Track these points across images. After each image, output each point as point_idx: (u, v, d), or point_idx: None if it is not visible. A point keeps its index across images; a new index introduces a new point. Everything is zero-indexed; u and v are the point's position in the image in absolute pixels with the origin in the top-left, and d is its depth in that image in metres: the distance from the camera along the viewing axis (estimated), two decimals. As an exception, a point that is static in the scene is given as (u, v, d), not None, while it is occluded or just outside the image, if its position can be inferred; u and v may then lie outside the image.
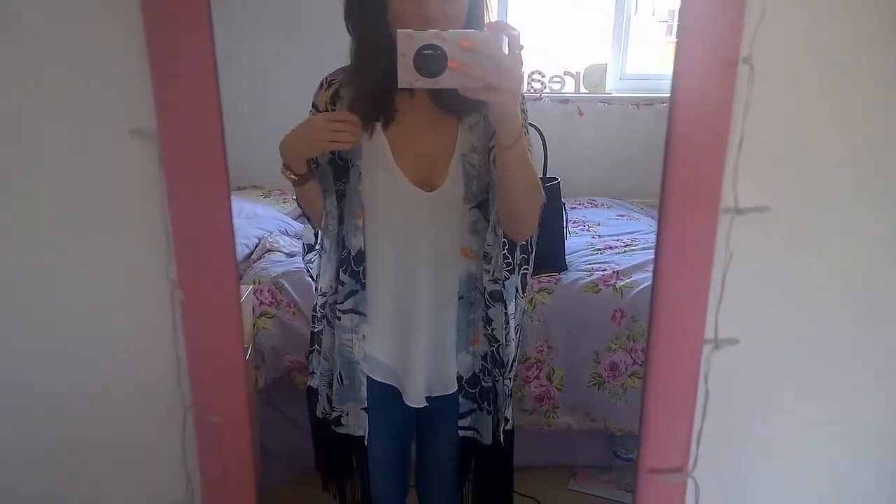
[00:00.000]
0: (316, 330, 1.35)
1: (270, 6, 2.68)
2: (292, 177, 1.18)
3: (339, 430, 1.32)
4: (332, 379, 1.32)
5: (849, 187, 0.84)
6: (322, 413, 1.35)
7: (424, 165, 1.20)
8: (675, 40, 0.79)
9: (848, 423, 0.91)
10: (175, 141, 0.80)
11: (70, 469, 0.93)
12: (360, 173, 1.19)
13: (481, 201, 1.22)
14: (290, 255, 2.37)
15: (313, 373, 1.38)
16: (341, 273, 1.25)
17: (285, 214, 2.63)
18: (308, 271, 1.42)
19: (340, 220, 1.24)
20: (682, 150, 0.80)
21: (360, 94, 1.16)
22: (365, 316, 1.26)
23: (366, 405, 1.30)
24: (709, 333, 0.86)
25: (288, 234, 2.50)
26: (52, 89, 0.81)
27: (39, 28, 0.79)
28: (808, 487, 0.92)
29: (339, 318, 1.27)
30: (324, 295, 1.31)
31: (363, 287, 1.24)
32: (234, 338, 0.86)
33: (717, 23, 0.77)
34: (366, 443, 1.33)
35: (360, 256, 1.23)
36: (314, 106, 1.23)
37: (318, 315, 1.34)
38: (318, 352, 1.35)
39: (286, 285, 2.11)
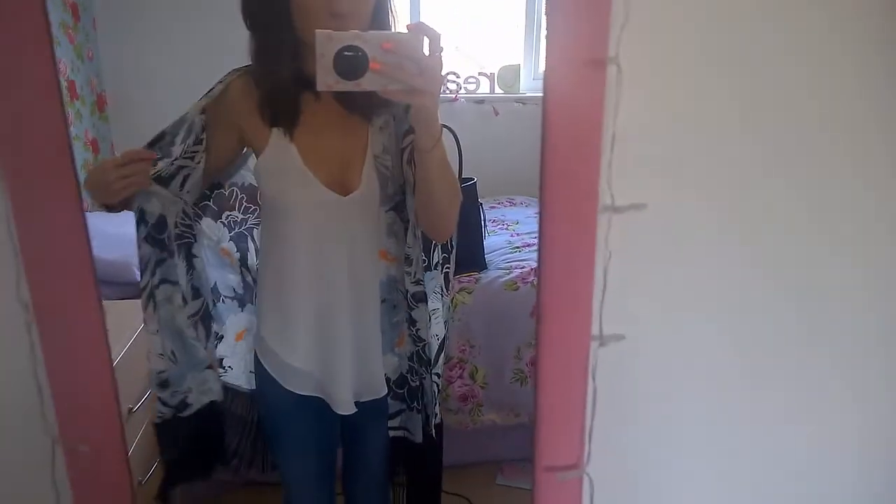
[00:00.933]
0: None
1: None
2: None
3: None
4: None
5: (719, 182, 0.86)
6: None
7: (336, 169, 1.17)
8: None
9: (733, 414, 0.94)
10: (16, 151, 0.74)
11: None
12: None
13: (397, 203, 1.21)
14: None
15: None
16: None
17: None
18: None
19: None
20: (557, 150, 0.81)
21: (263, 95, 1.12)
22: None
23: (208, 363, 1.30)
24: (594, 330, 0.87)
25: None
26: None
27: None
28: (703, 479, 0.95)
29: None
30: None
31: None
32: (101, 359, 0.81)
33: (582, 24, 0.78)
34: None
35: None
36: (203, 111, 1.17)
37: None
38: None
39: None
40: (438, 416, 1.37)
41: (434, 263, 1.28)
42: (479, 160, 2.21)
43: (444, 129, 1.22)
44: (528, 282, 2.16)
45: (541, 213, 0.84)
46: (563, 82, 0.79)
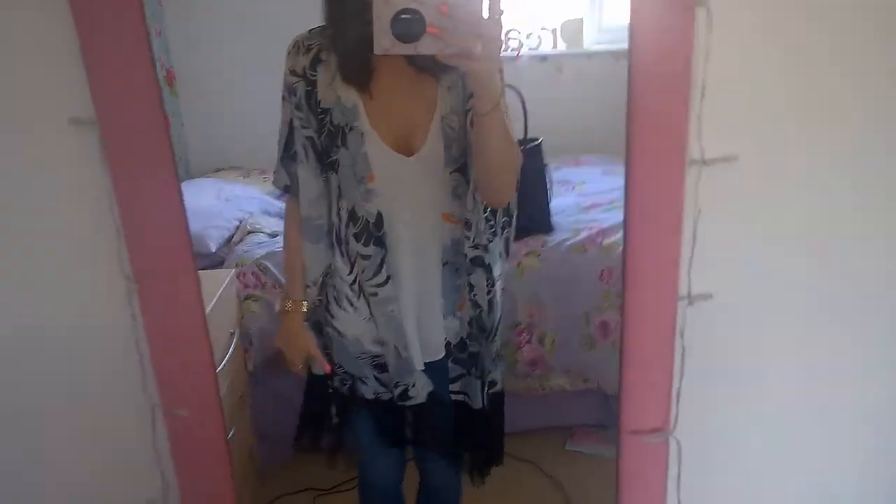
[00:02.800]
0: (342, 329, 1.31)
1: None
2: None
3: (407, 403, 1.30)
4: (378, 358, 1.30)
5: (816, 131, 0.80)
6: (374, 395, 1.33)
7: (403, 129, 1.16)
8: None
9: (832, 375, 0.90)
10: (115, 128, 0.76)
11: (43, 476, 0.91)
12: (361, 134, 1.15)
13: (461, 165, 1.19)
14: (273, 235, 2.33)
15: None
16: (362, 247, 1.22)
17: (266, 194, 2.58)
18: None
19: (340, 194, 1.21)
20: (643, 102, 0.77)
21: (342, 54, 1.12)
22: (399, 277, 1.23)
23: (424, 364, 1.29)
24: (682, 290, 0.84)
25: (270, 215, 2.46)
26: None
27: None
28: (793, 442, 0.91)
29: (375, 294, 1.24)
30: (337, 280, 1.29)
31: (388, 250, 1.21)
32: (197, 329, 0.84)
33: (671, -35, 0.73)
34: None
35: (380, 220, 1.20)
36: (291, 72, 1.17)
37: (340, 305, 1.30)
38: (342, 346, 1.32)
39: (270, 267, 2.08)
40: (499, 384, 1.36)
41: (496, 230, 1.26)
42: (542, 119, 2.15)
43: (509, 89, 1.20)
44: (596, 244, 2.11)
45: (627, 170, 0.81)
46: (649, 28, 0.74)
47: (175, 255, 0.81)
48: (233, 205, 2.38)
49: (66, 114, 0.78)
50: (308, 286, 1.29)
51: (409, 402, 1.30)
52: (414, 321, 1.28)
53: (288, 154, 1.23)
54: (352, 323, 1.30)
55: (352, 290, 1.26)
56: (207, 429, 0.86)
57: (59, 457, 0.90)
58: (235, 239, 2.23)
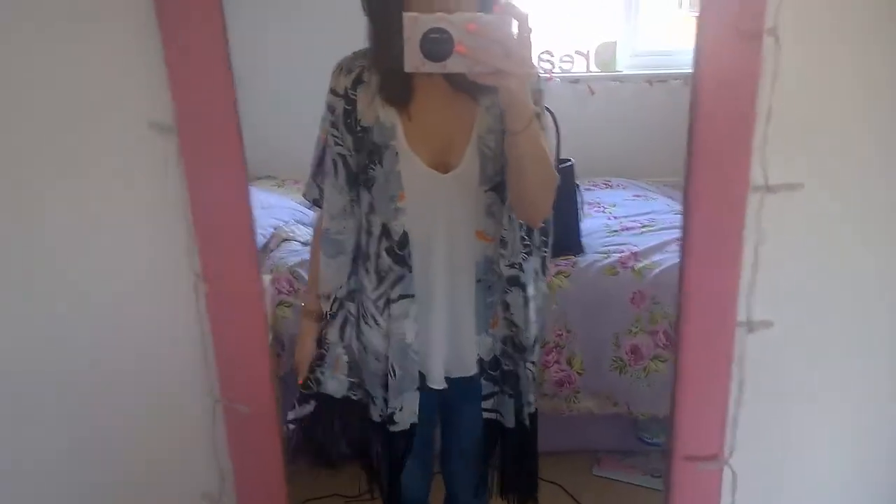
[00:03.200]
0: (349, 343, 1.31)
1: (281, -1, 2.65)
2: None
3: (392, 428, 1.29)
4: (385, 377, 1.29)
5: (883, 161, 0.80)
6: (379, 417, 1.32)
7: (439, 147, 1.18)
8: (692, 14, 0.75)
9: (885, 406, 0.88)
10: (193, 133, 0.79)
11: (103, 465, 0.93)
12: (396, 153, 1.16)
13: (497, 183, 1.20)
14: (306, 243, 2.36)
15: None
16: (383, 263, 1.22)
17: (300, 204, 2.61)
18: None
19: (371, 210, 1.21)
20: (707, 127, 0.77)
21: (383, 75, 1.14)
22: (414, 297, 1.24)
23: (419, 384, 1.28)
24: (741, 316, 0.84)
25: (303, 224, 2.49)
26: (70, 85, 0.80)
27: (58, 25, 0.78)
28: (851, 475, 0.90)
29: (389, 308, 1.24)
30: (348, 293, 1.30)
31: (410, 269, 1.22)
32: (259, 328, 0.85)
33: (740, -7, 0.74)
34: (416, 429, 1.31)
35: (405, 239, 1.21)
36: (332, 91, 1.20)
37: (348, 318, 1.31)
38: (353, 362, 1.34)
39: (303, 274, 2.10)
40: (533, 405, 1.36)
41: (533, 248, 1.27)
42: (573, 141, 2.15)
43: (546, 111, 1.21)
44: (628, 266, 2.10)
45: (686, 193, 0.81)
46: (716, 56, 0.75)
47: (242, 257, 0.82)
48: (268, 213, 2.41)
49: (146, 118, 0.80)
50: (320, 297, 1.29)
51: (393, 428, 1.29)
52: (444, 337, 1.28)
53: (320, 170, 1.25)
54: (374, 340, 1.30)
55: (376, 306, 1.26)
56: (265, 425, 0.87)
57: (122, 445, 0.92)
58: (270, 246, 2.25)
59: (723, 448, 0.87)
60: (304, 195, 1.32)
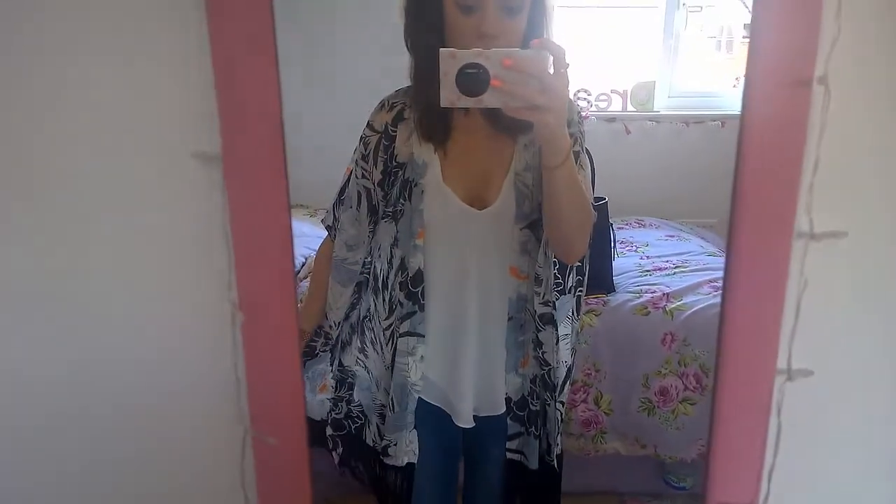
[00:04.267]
0: (350, 366, 1.35)
1: (320, 26, 2.73)
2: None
3: (386, 460, 1.30)
4: (384, 408, 1.31)
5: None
6: (372, 442, 1.34)
7: (475, 183, 1.19)
8: (730, 57, 0.76)
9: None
10: (238, 164, 0.81)
11: (130, 489, 0.93)
12: (422, 192, 1.18)
13: (532, 221, 1.21)
14: (335, 274, 2.39)
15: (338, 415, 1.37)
16: (396, 296, 1.24)
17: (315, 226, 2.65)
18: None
19: (395, 243, 1.23)
20: (753, 172, 0.77)
21: (423, 112, 1.17)
22: (423, 337, 1.25)
23: (414, 426, 1.29)
24: (781, 364, 0.83)
25: (333, 254, 2.53)
26: (115, 111, 0.82)
27: (102, 50, 0.80)
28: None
29: (393, 343, 1.26)
30: (359, 321, 1.32)
31: (421, 308, 1.23)
32: (293, 360, 0.86)
33: (789, 42, 0.75)
34: (416, 465, 1.31)
35: (419, 277, 1.22)
36: (370, 126, 1.23)
37: (355, 345, 1.34)
38: (351, 386, 1.35)
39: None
40: (560, 447, 1.34)
41: (568, 287, 1.26)
42: (608, 179, 2.16)
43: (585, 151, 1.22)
44: (659, 307, 2.09)
45: (729, 238, 0.81)
46: (764, 102, 0.76)
47: (281, 288, 0.84)
48: (300, 242, 2.45)
49: (192, 148, 0.82)
50: (329, 324, 1.36)
51: (387, 460, 1.29)
52: (473, 375, 1.28)
53: (341, 200, 1.29)
54: (376, 366, 1.32)
55: (384, 335, 1.28)
56: (294, 458, 0.87)
57: (148, 470, 0.92)
58: (301, 275, 2.29)
59: (757, 496, 0.85)
60: (322, 220, 1.35)
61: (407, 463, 1.30)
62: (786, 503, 0.86)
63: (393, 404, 1.27)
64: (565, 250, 1.19)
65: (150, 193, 0.85)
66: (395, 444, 1.28)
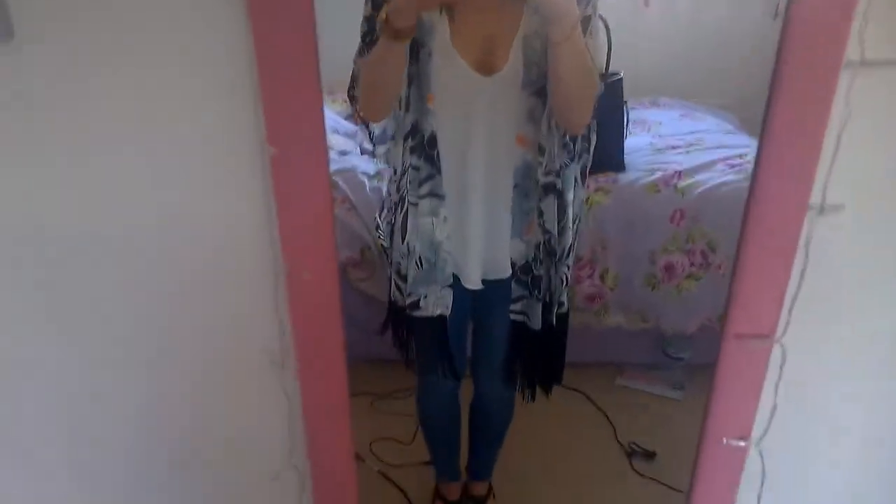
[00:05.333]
0: (390, 219, 1.36)
1: None
2: (397, 27, 1.05)
3: (417, 313, 1.33)
4: (406, 267, 1.33)
5: None
6: (393, 297, 1.38)
7: (484, 48, 1.17)
8: None
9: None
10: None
11: (168, 320, 0.96)
12: (430, 54, 1.16)
13: (540, 87, 1.19)
14: (342, 153, 2.36)
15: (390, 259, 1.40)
16: (415, 158, 1.24)
17: (336, 114, 2.60)
18: (387, 162, 1.40)
19: (407, 106, 1.22)
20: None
21: None
22: (443, 198, 1.26)
23: (451, 282, 1.32)
24: (815, 198, 0.83)
25: (338, 133, 2.49)
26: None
27: None
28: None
29: (415, 204, 1.27)
30: (396, 182, 1.31)
31: (439, 171, 1.24)
32: (323, 196, 0.86)
33: None
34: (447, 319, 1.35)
35: (433, 140, 1.22)
36: (372, 2, 1.17)
37: (394, 201, 1.34)
38: (391, 238, 1.36)
39: (340, 183, 2.11)
40: (566, 305, 1.38)
41: (574, 155, 1.26)
42: (624, 55, 2.10)
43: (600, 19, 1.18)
44: (670, 185, 2.09)
45: (777, 66, 0.79)
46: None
47: (308, 121, 0.83)
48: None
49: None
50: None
51: (416, 314, 1.33)
52: (480, 240, 1.30)
53: (366, 43, 1.20)
54: (403, 223, 1.31)
55: (408, 197, 1.28)
56: (326, 292, 0.89)
57: (186, 305, 0.94)
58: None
59: (776, 329, 0.89)
60: (355, 60, 1.27)
61: (439, 314, 1.33)
62: (804, 337, 0.90)
63: (421, 262, 1.30)
64: (568, 120, 1.18)
65: (179, 31, 0.81)
66: (426, 297, 1.32)
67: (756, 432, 0.95)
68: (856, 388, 0.95)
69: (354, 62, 1.23)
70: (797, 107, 0.79)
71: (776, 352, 0.90)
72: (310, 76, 0.80)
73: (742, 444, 0.96)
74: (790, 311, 0.88)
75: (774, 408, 0.93)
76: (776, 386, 0.92)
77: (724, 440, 0.95)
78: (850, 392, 0.95)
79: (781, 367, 0.91)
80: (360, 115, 1.27)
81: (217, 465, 1.03)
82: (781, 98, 0.79)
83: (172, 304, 0.94)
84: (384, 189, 1.42)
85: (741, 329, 0.90)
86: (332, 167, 2.14)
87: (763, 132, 0.82)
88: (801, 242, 0.85)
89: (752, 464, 0.98)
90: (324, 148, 0.86)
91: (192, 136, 0.86)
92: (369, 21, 1.17)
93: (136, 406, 1.01)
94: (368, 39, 1.18)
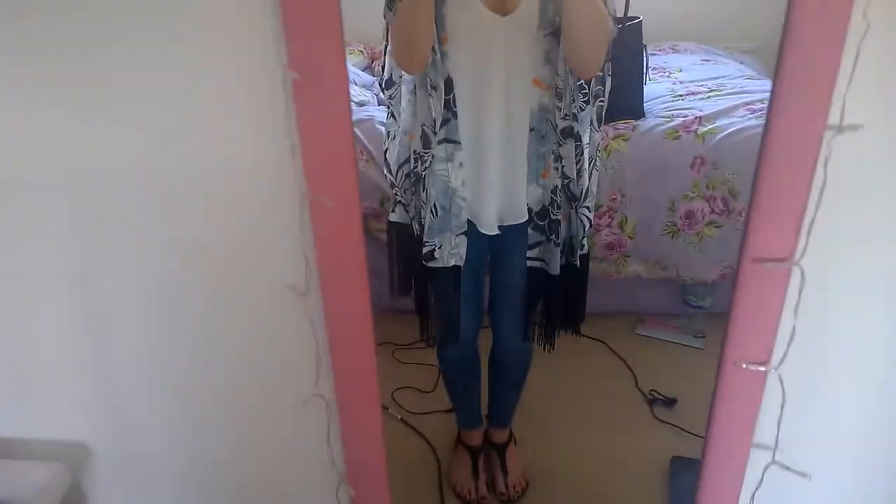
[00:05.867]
0: (410, 168, 1.35)
1: None
2: None
3: (431, 264, 1.34)
4: (420, 215, 1.34)
5: None
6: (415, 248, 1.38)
7: None
8: None
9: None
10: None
11: (194, 257, 0.99)
12: None
13: (556, 29, 1.18)
14: (360, 104, 2.36)
15: (399, 206, 1.40)
16: (431, 103, 1.24)
17: (353, 66, 2.60)
18: (389, 108, 1.41)
19: None
20: None
21: None
22: (459, 144, 1.26)
23: (465, 229, 1.33)
24: (833, 118, 0.83)
25: (356, 84, 2.48)
26: None
27: None
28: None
29: (432, 149, 1.26)
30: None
31: (455, 115, 1.23)
32: (344, 125, 0.87)
33: None
34: (462, 268, 1.36)
35: (450, 84, 1.21)
36: None
37: (412, 151, 1.34)
38: (413, 190, 1.36)
39: (358, 133, 2.12)
40: (586, 247, 1.38)
41: (589, 98, 1.25)
42: (643, -2, 2.05)
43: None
44: (690, 131, 2.06)
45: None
46: None
47: (330, 48, 0.83)
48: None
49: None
50: None
51: (431, 264, 1.34)
52: (497, 184, 1.30)
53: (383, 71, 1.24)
54: (420, 171, 1.31)
55: (426, 143, 1.27)
56: (348, 221, 0.91)
57: (215, 234, 0.97)
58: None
59: (794, 252, 0.89)
60: (385, 16, 1.30)
61: (453, 266, 1.34)
62: (823, 260, 0.89)
63: (436, 209, 1.31)
64: (580, 64, 1.17)
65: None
66: (440, 247, 1.33)
67: (775, 357, 0.96)
68: (875, 311, 0.95)
69: (384, 16, 1.23)
70: (814, 22, 0.78)
71: (795, 275, 0.90)
72: (330, 2, 0.81)
73: (762, 368, 0.96)
74: (808, 233, 0.88)
75: (793, 332, 0.93)
76: (795, 310, 0.92)
77: (744, 365, 0.96)
78: (870, 315, 0.95)
79: (800, 291, 0.91)
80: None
81: (246, 395, 1.07)
82: (798, 13, 0.78)
83: (196, 235, 0.97)
84: (391, 139, 1.41)
85: (759, 252, 0.90)
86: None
87: (781, 49, 0.81)
88: (820, 163, 0.84)
89: (771, 389, 0.99)
90: (345, 74, 0.87)
91: (214, 66, 0.87)
92: None
93: (158, 337, 1.05)
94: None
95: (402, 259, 1.47)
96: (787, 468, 1.02)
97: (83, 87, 0.89)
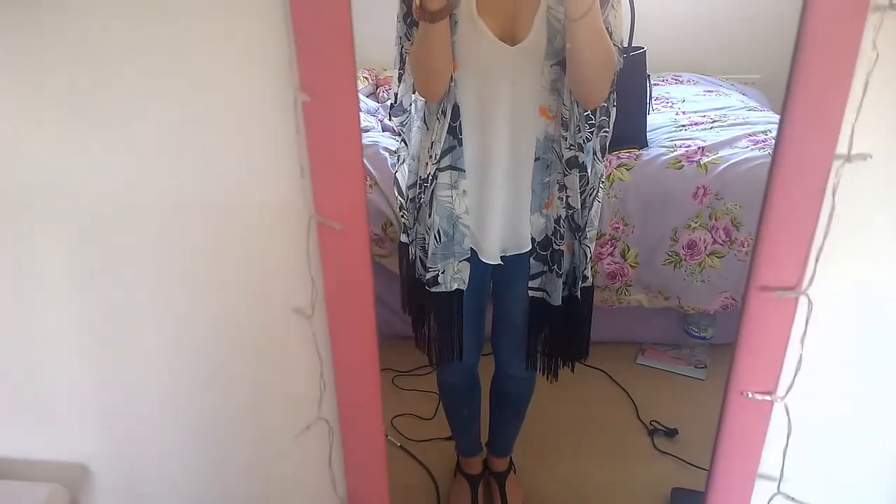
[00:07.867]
0: (416, 192, 1.35)
1: None
2: (432, 9, 1.08)
3: (434, 289, 1.34)
4: (424, 241, 1.34)
5: None
6: (418, 275, 1.39)
7: (508, 17, 1.17)
8: None
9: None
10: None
11: (198, 279, 0.98)
12: (455, 23, 1.16)
13: (563, 59, 1.19)
14: (364, 129, 2.38)
15: (407, 230, 1.41)
16: (438, 129, 1.24)
17: (358, 91, 2.62)
18: (401, 134, 1.42)
19: None
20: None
21: None
22: (463, 171, 1.27)
23: (468, 256, 1.33)
24: (841, 147, 0.83)
25: (360, 110, 2.51)
26: None
27: None
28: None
29: (436, 177, 1.27)
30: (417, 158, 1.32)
31: (460, 143, 1.24)
32: (354, 148, 0.88)
33: None
34: (464, 293, 1.35)
35: (456, 111, 1.22)
36: None
37: (419, 177, 1.34)
38: (417, 213, 1.36)
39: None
40: (589, 279, 1.37)
41: (594, 128, 1.26)
42: (647, 29, 2.08)
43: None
44: (693, 160, 2.07)
45: (804, 10, 0.79)
46: None
47: (340, 68, 0.84)
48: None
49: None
50: None
51: (434, 289, 1.33)
52: (500, 214, 1.30)
53: (407, 24, 1.23)
54: (424, 197, 1.31)
55: (429, 169, 1.28)
56: (356, 243, 0.91)
57: (223, 254, 0.96)
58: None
59: (801, 280, 0.89)
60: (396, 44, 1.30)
61: (455, 289, 1.34)
62: (830, 289, 0.89)
63: (440, 235, 1.31)
64: (584, 95, 1.18)
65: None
66: (444, 272, 1.33)
67: (782, 386, 0.95)
68: (885, 340, 0.94)
69: (396, 44, 1.25)
70: (824, 51, 0.79)
71: (802, 304, 0.90)
72: (342, 24, 0.82)
73: (768, 398, 0.95)
74: (816, 262, 0.87)
75: (800, 361, 0.93)
76: (802, 339, 0.92)
77: (750, 394, 0.95)
78: (880, 344, 0.94)
79: (808, 320, 0.90)
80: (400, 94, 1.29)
81: (248, 416, 1.06)
82: (808, 42, 0.79)
83: (205, 255, 0.96)
84: (401, 164, 1.42)
85: (766, 281, 0.90)
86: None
87: (790, 78, 0.81)
88: (828, 191, 0.85)
89: (777, 419, 0.97)
90: (355, 97, 0.88)
91: (225, 87, 0.88)
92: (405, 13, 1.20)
93: (162, 356, 1.04)
94: (409, 20, 1.20)
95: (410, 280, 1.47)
96: (793, 499, 1.01)
97: (95, 108, 0.89)
